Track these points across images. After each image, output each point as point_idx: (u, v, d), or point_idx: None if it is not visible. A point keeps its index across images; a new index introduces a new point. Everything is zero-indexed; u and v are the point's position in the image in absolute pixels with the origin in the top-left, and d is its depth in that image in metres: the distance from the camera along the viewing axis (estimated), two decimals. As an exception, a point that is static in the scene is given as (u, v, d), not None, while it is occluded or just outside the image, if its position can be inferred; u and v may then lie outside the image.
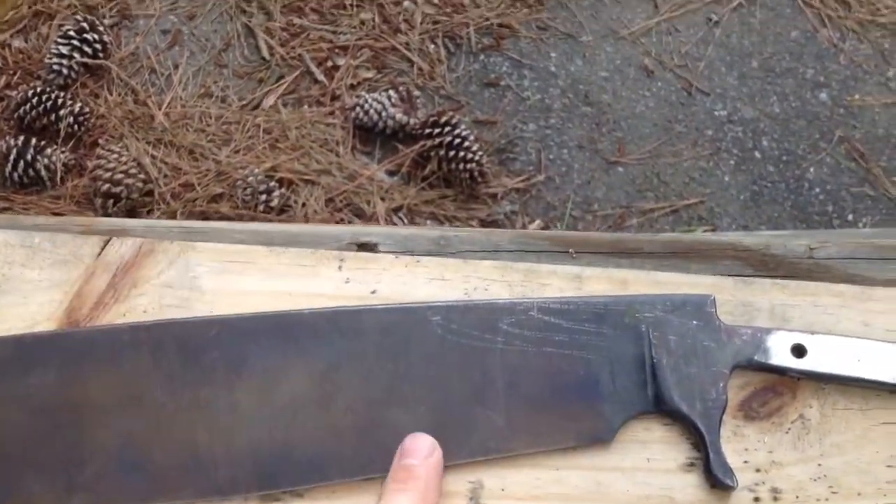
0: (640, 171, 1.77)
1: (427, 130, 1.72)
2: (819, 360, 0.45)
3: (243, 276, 0.48)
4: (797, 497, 0.43)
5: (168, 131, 1.76)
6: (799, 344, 0.45)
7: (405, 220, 1.72)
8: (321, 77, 1.85)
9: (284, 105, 1.83)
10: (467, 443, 0.44)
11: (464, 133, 1.70)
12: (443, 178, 1.72)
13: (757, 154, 1.77)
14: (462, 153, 1.68)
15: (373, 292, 0.48)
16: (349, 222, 1.71)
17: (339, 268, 0.48)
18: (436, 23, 1.91)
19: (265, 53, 1.87)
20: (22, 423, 0.43)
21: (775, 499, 0.43)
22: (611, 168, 1.78)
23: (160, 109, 1.79)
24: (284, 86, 1.84)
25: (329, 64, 1.87)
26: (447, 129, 1.71)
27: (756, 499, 0.43)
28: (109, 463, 0.44)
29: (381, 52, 1.88)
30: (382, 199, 1.72)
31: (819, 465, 0.44)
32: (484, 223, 1.74)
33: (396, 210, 1.72)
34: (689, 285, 0.48)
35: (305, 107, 1.82)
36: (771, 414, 0.45)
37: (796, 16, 1.92)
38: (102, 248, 0.49)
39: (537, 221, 1.75)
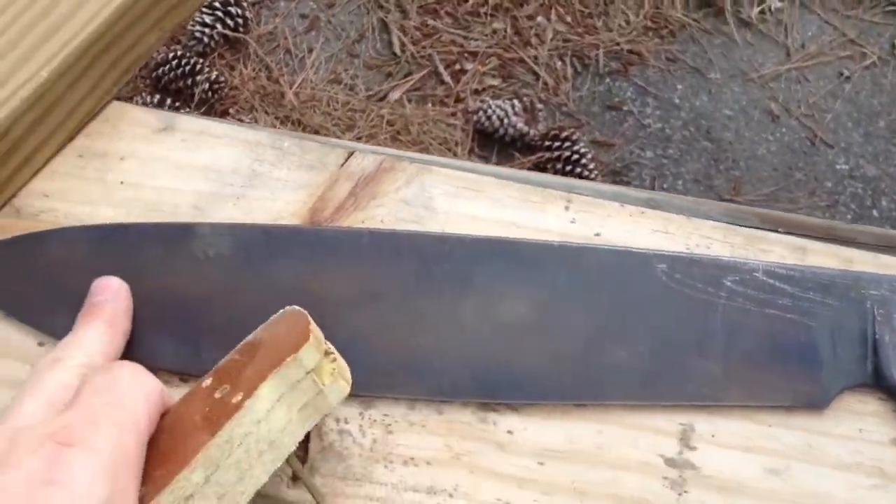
0: (752, 212, 1.77)
1: (546, 143, 1.74)
2: None
3: (474, 202, 0.50)
4: None
5: (296, 110, 1.80)
6: None
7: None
8: (448, 78, 1.89)
9: (409, 100, 1.86)
10: (683, 387, 0.45)
11: (582, 150, 1.72)
12: (555, 192, 1.73)
13: (875, 213, 1.75)
14: (578, 169, 1.70)
15: (597, 234, 0.49)
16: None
17: (566, 208, 0.50)
18: (566, 41, 1.93)
19: (397, 49, 1.92)
20: (269, 304, 0.45)
21: None
22: (723, 206, 1.77)
23: (291, 88, 1.84)
24: (411, 82, 1.88)
25: (457, 67, 1.90)
26: (566, 143, 1.72)
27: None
28: (342, 352, 0.46)
29: (508, 63, 1.91)
30: (494, 203, 1.74)
31: None
32: (590, 242, 1.74)
33: (506, 216, 1.74)
34: (917, 272, 0.49)
35: (429, 105, 1.86)
36: None
37: (931, 81, 1.90)
38: (346, 159, 0.51)
39: (643, 248, 1.75)
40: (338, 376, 0.40)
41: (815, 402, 0.45)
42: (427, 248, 0.47)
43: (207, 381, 0.40)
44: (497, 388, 0.45)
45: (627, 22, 1.95)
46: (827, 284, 0.47)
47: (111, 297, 0.44)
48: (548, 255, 0.47)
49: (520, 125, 1.78)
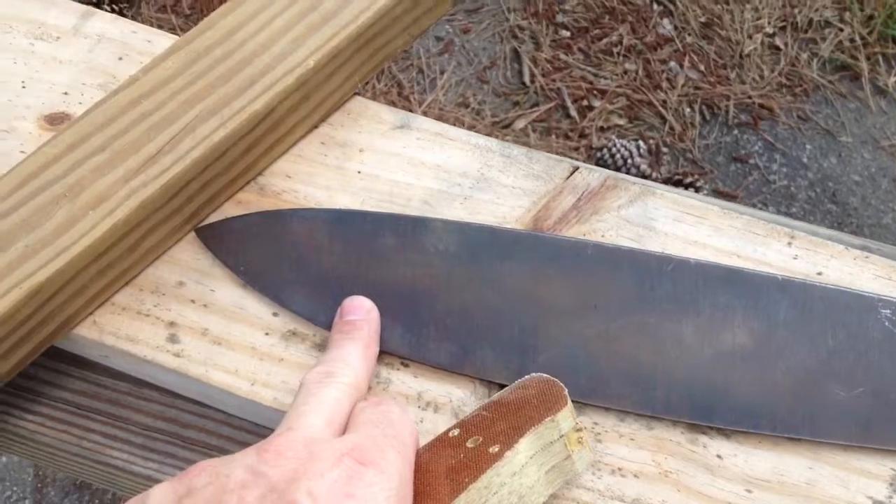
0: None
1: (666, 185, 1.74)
2: None
3: (696, 227, 0.51)
4: None
5: (424, 128, 1.84)
6: None
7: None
8: (574, 113, 1.91)
9: (534, 130, 1.89)
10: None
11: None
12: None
13: None
14: (698, 218, 1.69)
15: (819, 273, 0.50)
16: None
17: (789, 244, 0.51)
18: (697, 88, 1.93)
19: (526, 79, 1.95)
20: (491, 302, 0.46)
21: None
22: (843, 270, 1.74)
23: (420, 107, 1.88)
24: (537, 113, 1.90)
25: (584, 103, 1.92)
26: (689, 190, 1.72)
27: None
28: (559, 357, 0.47)
29: (636, 104, 1.92)
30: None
31: None
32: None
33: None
34: None
35: (553, 136, 1.88)
36: None
37: None
38: (571, 173, 0.52)
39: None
40: (585, 444, 0.41)
41: None
42: (650, 265, 0.48)
43: (455, 432, 0.42)
44: (710, 411, 0.46)
45: (761, 76, 1.95)
46: None
47: (365, 318, 0.47)
48: (772, 287, 0.48)
49: (643, 166, 1.78)
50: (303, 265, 0.49)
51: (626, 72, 1.96)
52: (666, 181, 1.75)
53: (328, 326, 0.47)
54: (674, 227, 0.51)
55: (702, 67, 1.96)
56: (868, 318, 0.48)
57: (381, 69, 1.91)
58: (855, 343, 0.47)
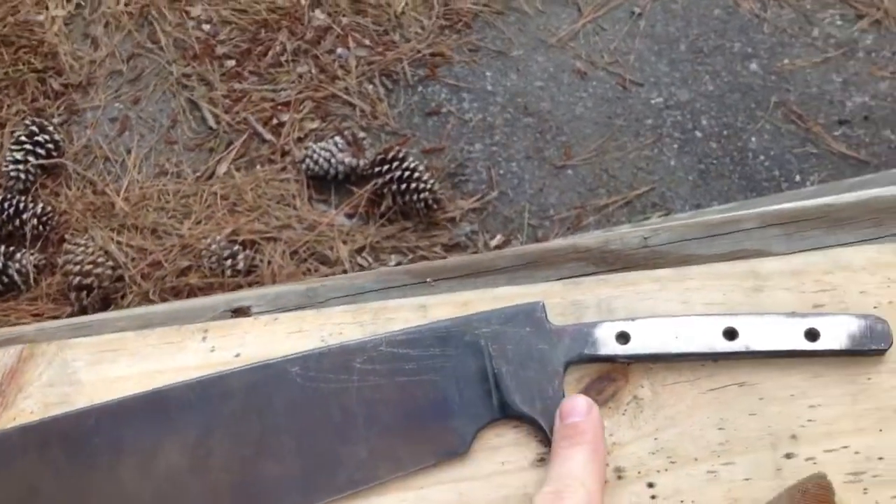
0: (588, 170, 1.82)
1: (377, 169, 1.77)
2: (642, 343, 0.49)
3: (116, 363, 0.52)
4: (639, 473, 0.47)
5: (129, 215, 1.81)
6: (622, 331, 0.49)
7: (370, 260, 1.76)
8: (269, 136, 1.91)
9: (237, 169, 1.88)
10: (335, 480, 0.48)
11: (412, 165, 1.75)
12: (400, 212, 1.77)
13: (698, 133, 1.81)
14: (414, 184, 1.73)
15: (237, 356, 0.52)
16: (315, 271, 1.75)
17: (204, 339, 0.53)
18: (370, 63, 1.96)
19: (212, 123, 1.93)
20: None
21: (619, 477, 0.47)
22: (560, 172, 1.82)
23: (119, 196, 1.85)
24: (235, 151, 1.90)
25: (274, 122, 1.92)
26: (395, 163, 1.75)
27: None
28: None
29: (322, 102, 1.93)
30: (344, 242, 1.77)
31: (655, 438, 0.47)
32: (446, 248, 1.78)
33: (359, 251, 1.77)
34: (524, 296, 0.52)
35: (258, 167, 1.88)
36: (607, 400, 0.49)
37: (715, -7, 1.96)
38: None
39: (498, 236, 1.79)
40: None
41: (456, 451, 0.49)
42: (73, 427, 0.50)
43: None
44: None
45: (423, 27, 1.99)
46: (444, 336, 0.50)
47: (586, 418, 0.46)
48: (189, 393, 0.50)
49: (347, 160, 1.81)
50: None
51: (300, 76, 1.97)
52: (372, 164, 1.78)
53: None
54: (96, 372, 0.52)
55: (367, 42, 1.99)
56: (282, 382, 0.50)
57: (69, 175, 1.86)
58: (277, 413, 0.50)
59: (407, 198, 1.74)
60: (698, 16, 1.95)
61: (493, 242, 1.78)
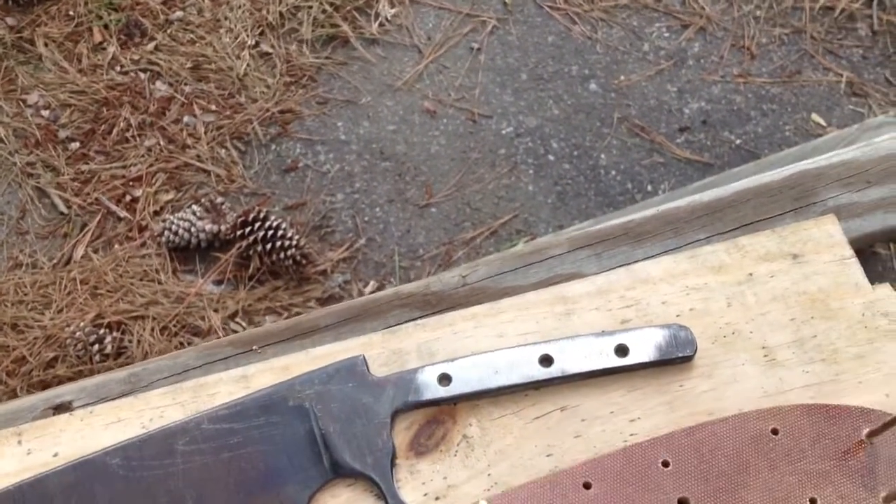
0: (451, 205, 1.84)
1: (239, 231, 1.74)
2: (464, 382, 0.49)
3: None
4: (475, 511, 0.47)
5: (-15, 314, 1.73)
6: (444, 373, 0.49)
7: (243, 324, 1.73)
8: (123, 213, 1.86)
9: (95, 251, 1.82)
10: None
11: (275, 223, 1.73)
12: (269, 272, 1.75)
13: (550, 157, 1.86)
14: (280, 242, 1.71)
15: (55, 455, 0.50)
16: (189, 344, 1.71)
17: (19, 442, 0.50)
18: (219, 128, 1.94)
19: (62, 208, 1.87)
20: None
21: (457, 519, 0.47)
22: (424, 211, 1.83)
23: (-28, 295, 1.77)
24: (90, 233, 1.84)
25: (128, 198, 1.88)
26: (258, 224, 1.73)
27: (441, 525, 0.47)
28: None
29: (174, 172, 1.90)
30: (216, 310, 1.73)
31: (489, 475, 0.48)
32: (321, 301, 1.77)
33: (232, 317, 1.73)
34: (344, 351, 0.52)
35: (116, 246, 1.82)
36: (438, 443, 0.49)
37: (547, 21, 2.02)
38: None
39: (371, 283, 1.79)
40: None
41: (292, 519, 0.48)
42: None
43: None
44: None
45: (268, 86, 1.98)
46: (267, 405, 0.50)
47: None
48: (8, 502, 0.48)
49: (208, 227, 1.78)
50: None
51: (149, 149, 1.93)
52: (234, 228, 1.75)
53: None
54: None
55: (213, 107, 1.97)
56: (103, 477, 0.48)
57: None
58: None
59: (274, 257, 1.72)
60: (534, 44, 2.01)
61: (367, 289, 1.77)
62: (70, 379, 1.66)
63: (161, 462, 0.48)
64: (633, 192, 1.79)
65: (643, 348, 0.49)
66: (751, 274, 0.51)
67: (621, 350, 0.49)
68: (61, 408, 0.54)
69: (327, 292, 1.77)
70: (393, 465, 0.48)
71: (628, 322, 0.51)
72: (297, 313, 1.74)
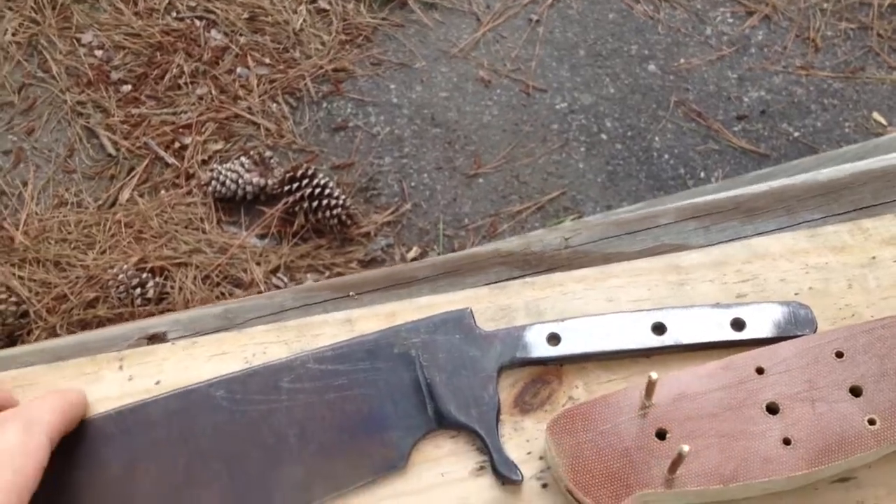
0: (499, 177, 1.83)
1: (286, 187, 1.74)
2: (573, 343, 0.48)
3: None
4: (578, 473, 0.46)
5: (30, 249, 1.74)
6: (553, 333, 0.49)
7: (285, 280, 1.73)
8: (171, 159, 1.86)
9: (141, 195, 1.83)
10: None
11: (323, 181, 1.73)
12: (313, 230, 1.74)
13: (603, 136, 1.84)
14: (326, 201, 1.71)
15: (157, 383, 0.50)
16: (230, 294, 1.71)
17: (120, 367, 0.50)
18: (272, 82, 1.93)
19: (111, 150, 1.87)
20: None
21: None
22: (472, 181, 1.82)
23: (18, 229, 1.77)
24: (137, 176, 1.84)
25: (177, 145, 1.88)
26: (305, 181, 1.73)
27: (544, 485, 0.47)
28: None
29: (224, 123, 1.89)
30: (258, 263, 1.73)
31: (594, 438, 0.47)
32: (363, 263, 1.76)
33: (274, 271, 1.73)
34: (450, 303, 0.51)
35: (162, 192, 1.83)
36: (543, 403, 0.48)
37: (609, -2, 2.00)
38: None
39: (414, 248, 1.78)
40: None
41: (395, 465, 0.47)
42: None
43: None
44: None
45: (323, 43, 1.97)
46: (372, 349, 0.49)
47: None
48: (109, 425, 0.48)
49: (255, 180, 1.77)
50: None
51: (200, 98, 1.92)
52: (281, 183, 1.75)
53: None
54: (8, 411, 0.49)
55: (267, 60, 1.96)
56: (207, 408, 0.48)
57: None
58: (205, 440, 0.48)
59: (319, 215, 1.72)
60: (594, 20, 1.98)
61: (410, 255, 1.77)
62: (110, 321, 1.67)
63: (265, 398, 0.48)
64: (686, 178, 1.77)
65: (760, 324, 0.48)
66: (874, 257, 0.50)
67: (737, 324, 0.48)
68: (155, 338, 0.54)
69: (369, 255, 1.76)
70: (498, 420, 0.47)
71: (744, 297, 0.50)
72: (339, 273, 1.74)
